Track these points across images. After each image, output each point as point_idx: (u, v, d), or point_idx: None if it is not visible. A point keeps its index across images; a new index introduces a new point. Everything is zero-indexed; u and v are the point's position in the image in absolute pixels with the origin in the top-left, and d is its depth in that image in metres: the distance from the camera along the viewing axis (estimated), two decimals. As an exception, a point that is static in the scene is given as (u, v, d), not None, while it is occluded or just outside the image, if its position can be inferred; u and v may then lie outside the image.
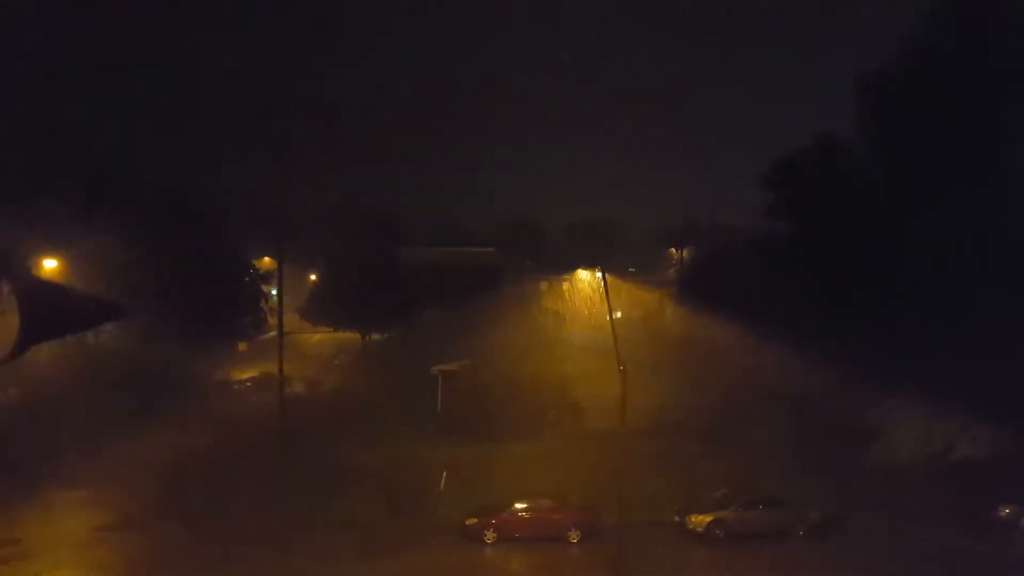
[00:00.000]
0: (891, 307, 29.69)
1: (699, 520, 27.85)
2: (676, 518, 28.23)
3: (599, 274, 54.37)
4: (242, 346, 51.93)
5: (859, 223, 32.73)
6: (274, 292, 47.17)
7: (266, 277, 53.65)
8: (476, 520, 27.38)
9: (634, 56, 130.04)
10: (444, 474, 31.75)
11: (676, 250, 73.93)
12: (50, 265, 30.95)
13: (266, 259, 56.69)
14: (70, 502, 29.43)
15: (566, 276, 58.89)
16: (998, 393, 28.14)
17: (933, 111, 31.05)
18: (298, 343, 52.02)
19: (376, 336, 59.93)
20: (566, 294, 56.31)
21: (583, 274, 58.72)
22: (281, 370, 36.46)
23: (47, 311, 1.85)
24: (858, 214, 32.93)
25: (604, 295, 46.55)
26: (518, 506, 27.81)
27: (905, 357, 29.39)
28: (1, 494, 28.33)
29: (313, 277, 62.97)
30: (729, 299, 38.51)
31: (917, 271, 29.51)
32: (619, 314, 44.58)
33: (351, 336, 59.67)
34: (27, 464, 29.89)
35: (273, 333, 45.91)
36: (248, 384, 48.57)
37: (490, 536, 27.07)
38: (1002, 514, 28.33)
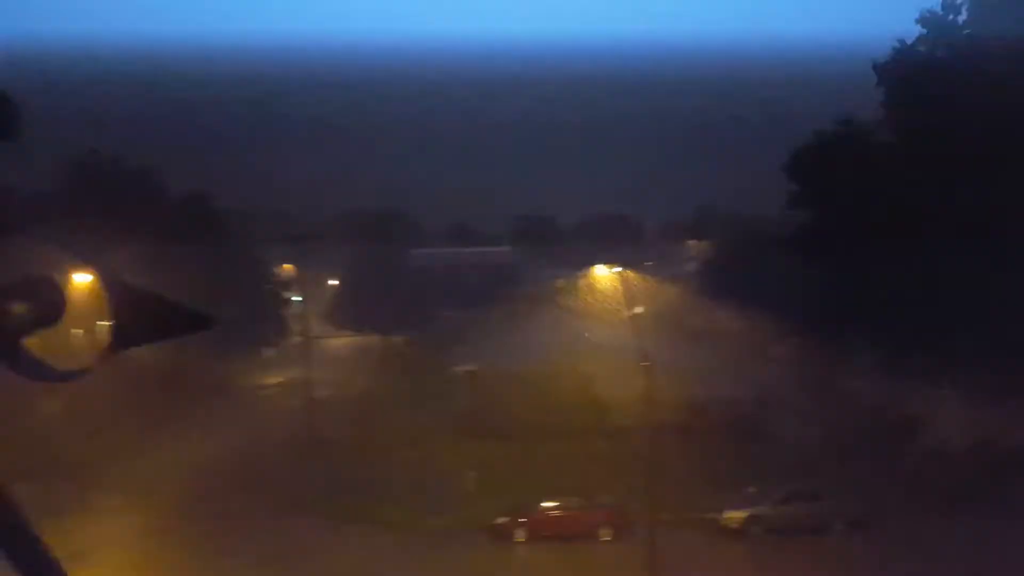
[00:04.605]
0: (930, 291, 28.83)
1: (734, 516, 27.31)
2: (710, 514, 27.78)
3: (617, 269, 54.20)
4: (268, 352, 52.52)
5: (886, 207, 31.94)
6: (296, 299, 47.83)
7: (288, 284, 54.18)
8: (506, 519, 27.48)
9: (644, 47, 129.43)
10: (472, 474, 31.93)
11: (694, 242, 73.69)
12: (84, 280, 31.30)
13: (287, 266, 57.20)
14: (115, 509, 29.59)
15: (583, 273, 58.65)
16: None
17: (955, 91, 30.65)
18: (320, 348, 52.44)
19: (397, 338, 60.25)
20: (584, 291, 56.05)
21: (600, 270, 58.43)
22: (308, 375, 37.03)
23: (139, 316, 1.84)
24: (884, 199, 32.20)
25: (623, 291, 46.52)
26: (547, 505, 27.87)
27: (947, 342, 28.45)
28: (46, 503, 28.62)
29: (333, 282, 63.43)
30: (752, 290, 38.03)
31: (953, 256, 28.22)
32: (639, 309, 44.48)
33: (372, 339, 60.03)
34: (67, 471, 30.26)
35: (297, 339, 46.48)
36: (275, 389, 49.17)
37: (520, 535, 27.15)
38: None
